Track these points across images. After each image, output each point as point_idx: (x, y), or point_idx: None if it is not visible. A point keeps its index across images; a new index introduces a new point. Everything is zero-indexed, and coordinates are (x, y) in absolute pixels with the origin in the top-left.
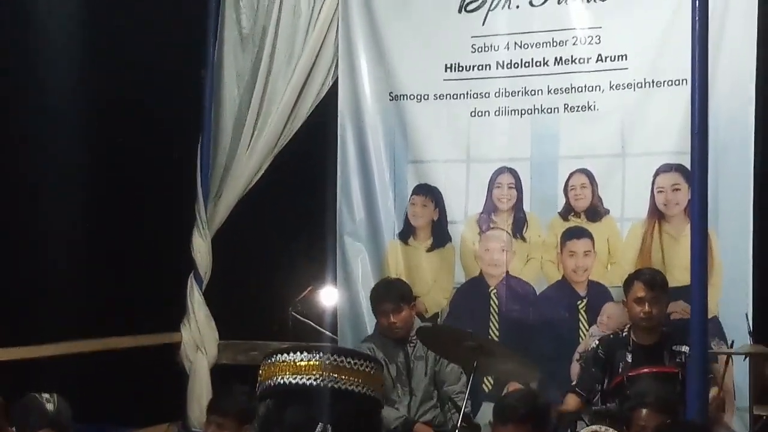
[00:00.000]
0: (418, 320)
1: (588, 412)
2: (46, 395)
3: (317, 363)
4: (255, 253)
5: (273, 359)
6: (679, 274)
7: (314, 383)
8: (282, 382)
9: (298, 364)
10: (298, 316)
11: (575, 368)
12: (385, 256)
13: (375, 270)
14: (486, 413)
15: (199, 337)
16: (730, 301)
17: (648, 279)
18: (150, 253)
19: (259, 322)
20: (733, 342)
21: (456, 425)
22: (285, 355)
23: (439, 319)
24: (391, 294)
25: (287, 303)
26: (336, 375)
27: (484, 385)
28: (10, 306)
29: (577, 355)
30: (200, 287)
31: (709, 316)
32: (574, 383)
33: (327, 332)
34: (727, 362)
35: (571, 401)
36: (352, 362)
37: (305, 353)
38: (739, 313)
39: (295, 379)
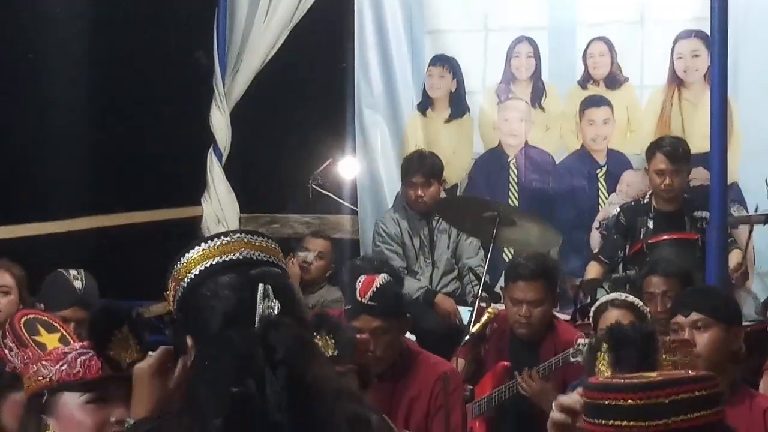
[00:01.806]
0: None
1: (609, 279)
2: (73, 272)
3: (243, 241)
4: (274, 127)
5: (189, 254)
6: (699, 141)
7: (241, 257)
8: (214, 262)
9: (224, 246)
10: (317, 188)
11: (595, 237)
12: (404, 128)
13: (394, 142)
14: None
15: (220, 211)
16: (751, 167)
17: (669, 151)
18: (169, 128)
19: (279, 194)
20: (757, 207)
21: (476, 295)
22: (204, 244)
23: (458, 191)
24: (423, 168)
25: (307, 175)
26: (262, 252)
27: (504, 255)
28: (33, 182)
29: (597, 224)
30: (220, 161)
31: (729, 182)
32: (596, 251)
33: (347, 203)
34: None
35: (593, 269)
36: (264, 240)
37: (226, 236)
38: (760, 178)
39: (226, 257)
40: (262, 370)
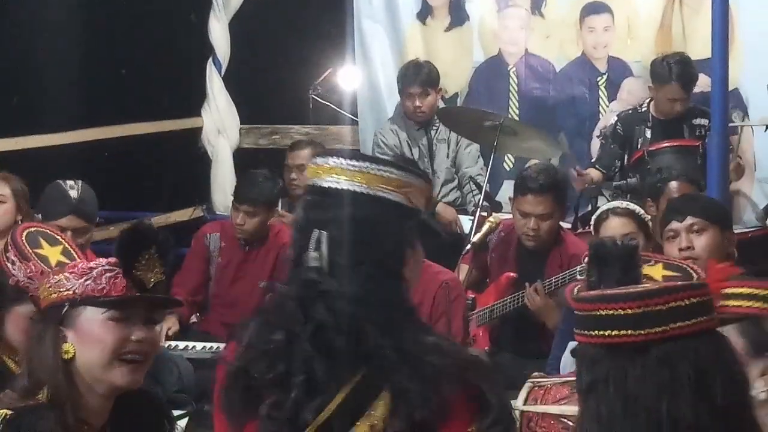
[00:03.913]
0: (441, 101)
1: (608, 187)
2: (70, 182)
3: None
4: (273, 37)
5: (351, 162)
6: (700, 47)
7: (337, 186)
8: (368, 192)
9: (383, 178)
10: (318, 99)
11: (596, 145)
12: (403, 38)
13: (394, 51)
14: (506, 192)
15: (220, 122)
16: (752, 73)
17: (686, 83)
18: (167, 38)
19: (279, 105)
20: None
21: (477, 204)
22: (367, 162)
23: (458, 99)
24: (420, 77)
25: (307, 86)
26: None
27: (505, 164)
28: (31, 94)
29: (597, 132)
30: (219, 72)
31: (730, 88)
32: (593, 160)
33: (347, 114)
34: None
35: (593, 174)
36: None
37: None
38: (761, 84)
39: (384, 192)
40: None
